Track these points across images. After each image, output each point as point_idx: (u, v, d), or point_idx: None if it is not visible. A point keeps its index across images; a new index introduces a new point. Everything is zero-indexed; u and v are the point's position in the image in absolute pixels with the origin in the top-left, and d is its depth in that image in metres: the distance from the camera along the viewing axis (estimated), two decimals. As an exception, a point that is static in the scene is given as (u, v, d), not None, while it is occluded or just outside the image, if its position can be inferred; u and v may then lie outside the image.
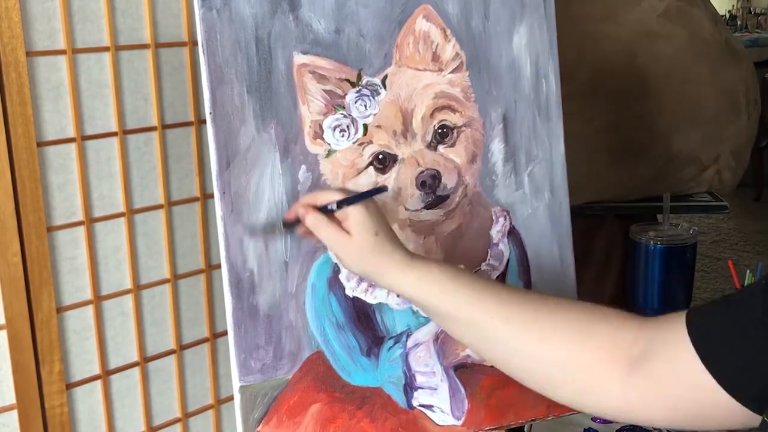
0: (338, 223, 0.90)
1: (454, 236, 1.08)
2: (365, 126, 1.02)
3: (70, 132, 1.14)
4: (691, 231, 1.39)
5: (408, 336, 1.05)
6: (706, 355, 0.73)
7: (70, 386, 1.19)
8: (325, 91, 1.00)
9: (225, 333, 1.08)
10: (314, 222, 0.91)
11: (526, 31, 1.11)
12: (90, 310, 1.19)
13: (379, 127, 1.02)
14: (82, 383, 1.20)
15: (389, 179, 1.03)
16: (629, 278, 1.41)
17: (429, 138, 1.05)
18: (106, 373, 1.22)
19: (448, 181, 1.05)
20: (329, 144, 1.00)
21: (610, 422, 1.21)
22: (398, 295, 0.99)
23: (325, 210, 0.91)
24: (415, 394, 1.05)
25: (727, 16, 6.66)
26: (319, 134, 1.00)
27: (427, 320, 1.06)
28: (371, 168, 1.02)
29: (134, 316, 1.24)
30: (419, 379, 1.05)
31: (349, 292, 1.02)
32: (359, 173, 1.02)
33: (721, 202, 1.74)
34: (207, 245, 1.30)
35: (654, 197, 1.69)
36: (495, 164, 1.10)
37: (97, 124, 1.16)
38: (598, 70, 1.66)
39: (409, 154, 1.04)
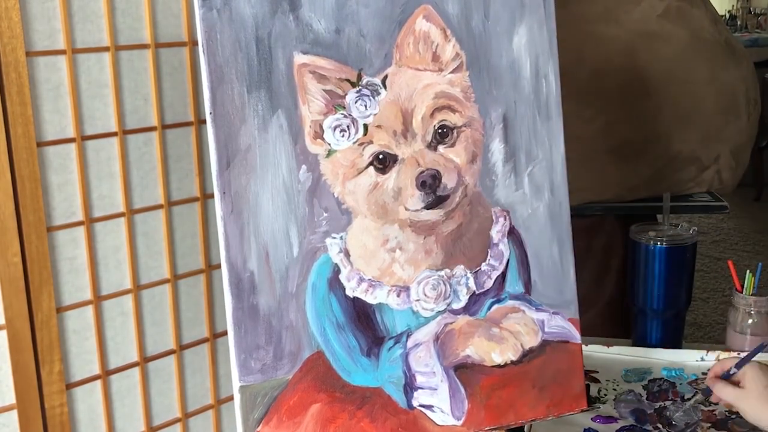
0: (736, 383, 1.10)
1: (454, 236, 1.08)
2: (365, 126, 1.02)
3: (70, 132, 1.14)
4: (691, 231, 1.39)
5: (408, 336, 1.05)
6: None
7: (70, 386, 1.19)
8: (325, 91, 1.00)
9: (225, 333, 1.08)
10: (718, 389, 1.11)
11: (526, 31, 1.11)
12: (90, 310, 1.19)
13: (379, 127, 1.02)
14: (82, 383, 1.20)
15: (389, 179, 1.03)
16: (629, 278, 1.41)
17: (429, 138, 1.05)
18: (106, 373, 1.22)
19: (448, 181, 1.05)
20: (329, 144, 1.00)
21: (610, 422, 1.21)
22: None
23: (727, 375, 1.12)
24: (415, 394, 1.05)
25: (727, 16, 6.66)
26: (319, 134, 1.00)
27: (428, 320, 1.06)
28: (371, 168, 1.02)
29: (134, 316, 1.24)
30: (419, 379, 1.05)
31: (349, 292, 1.02)
32: (359, 173, 1.02)
33: (721, 202, 1.74)
34: (207, 245, 1.30)
35: (654, 197, 1.69)
36: (495, 164, 1.10)
37: (97, 124, 1.16)
38: (598, 70, 1.66)
39: (409, 154, 1.04)
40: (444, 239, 1.07)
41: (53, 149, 1.13)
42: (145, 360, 1.26)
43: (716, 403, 1.23)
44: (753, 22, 6.52)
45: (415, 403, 1.05)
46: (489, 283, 1.10)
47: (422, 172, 1.04)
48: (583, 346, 1.15)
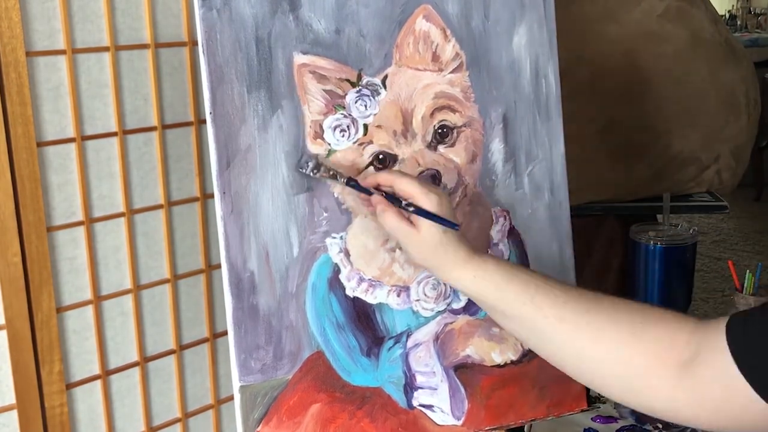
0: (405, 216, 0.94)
1: (454, 236, 1.07)
2: (365, 126, 1.02)
3: (70, 132, 1.14)
4: (691, 231, 1.39)
5: (408, 336, 1.05)
6: (743, 363, 0.75)
7: (70, 386, 1.19)
8: (325, 91, 1.00)
9: (225, 333, 1.08)
10: (383, 209, 0.94)
11: (526, 31, 1.11)
12: (90, 310, 1.19)
13: (379, 127, 1.02)
14: (82, 383, 1.20)
15: (389, 179, 1.03)
16: (629, 278, 1.41)
17: (429, 138, 1.05)
18: (106, 373, 1.22)
19: (448, 181, 1.05)
20: (329, 144, 1.00)
21: (610, 422, 1.21)
22: (459, 291, 1.01)
23: (397, 202, 0.93)
24: (415, 394, 1.05)
25: (727, 16, 6.66)
26: (319, 134, 1.00)
27: (428, 320, 1.06)
28: (371, 168, 1.02)
29: (134, 316, 1.24)
30: (419, 379, 1.05)
31: (349, 292, 1.02)
32: (359, 173, 1.02)
33: (721, 202, 1.74)
34: (207, 245, 1.30)
35: (654, 197, 1.69)
36: (495, 164, 1.10)
37: (97, 124, 1.16)
38: (598, 70, 1.66)
39: (409, 154, 1.04)
40: (444, 239, 1.07)
41: (53, 149, 1.13)
42: (145, 360, 1.26)
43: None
44: (753, 22, 6.52)
45: (415, 403, 1.05)
46: (489, 283, 1.10)
47: (422, 172, 1.04)
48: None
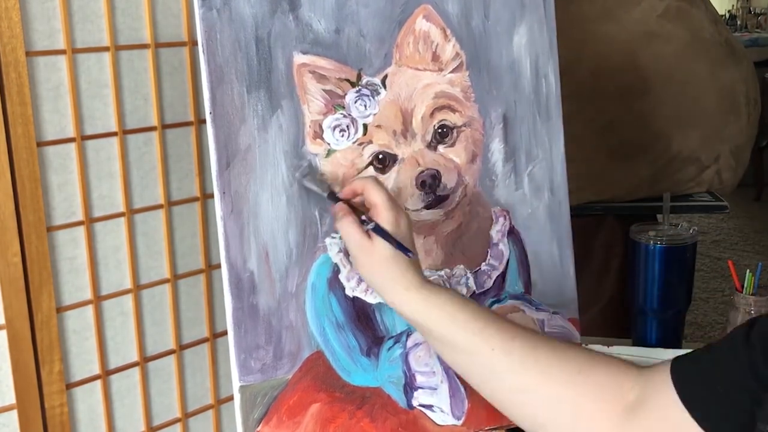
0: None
1: (453, 236, 1.08)
2: (365, 126, 1.02)
3: (70, 132, 1.14)
4: (691, 231, 1.39)
5: (408, 336, 1.05)
6: (688, 400, 0.74)
7: (70, 386, 1.18)
8: (325, 90, 1.00)
9: (225, 333, 1.08)
10: (342, 215, 0.93)
11: (526, 31, 1.11)
12: (90, 310, 1.19)
13: (379, 126, 1.02)
14: (82, 383, 1.20)
15: (389, 179, 1.03)
16: (629, 278, 1.41)
17: (429, 138, 1.05)
18: (106, 373, 1.22)
19: (448, 181, 1.05)
20: (329, 144, 1.00)
21: (610, 422, 1.21)
22: (399, 314, 0.97)
23: (357, 212, 0.93)
24: (415, 393, 1.05)
25: (727, 16, 6.66)
26: (318, 134, 1.00)
27: (427, 320, 1.06)
28: (371, 168, 1.02)
29: (134, 316, 1.24)
30: (419, 379, 1.05)
31: (349, 292, 1.02)
32: (359, 173, 1.02)
33: (721, 202, 1.74)
34: (207, 245, 1.30)
35: (654, 197, 1.69)
36: (495, 164, 1.10)
37: (97, 124, 1.16)
38: (598, 70, 1.66)
39: (409, 154, 1.04)
40: (444, 239, 1.07)
41: (53, 149, 1.13)
42: (145, 360, 1.26)
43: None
44: (753, 22, 6.53)
45: (415, 403, 1.05)
46: (489, 283, 1.10)
47: (422, 172, 1.04)
48: (583, 346, 1.15)
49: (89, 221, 1.17)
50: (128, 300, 1.23)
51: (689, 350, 0.81)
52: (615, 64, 1.67)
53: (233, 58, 0.95)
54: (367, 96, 1.01)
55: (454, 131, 1.06)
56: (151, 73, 1.20)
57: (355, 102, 1.01)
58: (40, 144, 1.11)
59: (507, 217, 1.11)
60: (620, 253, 1.73)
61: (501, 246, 1.11)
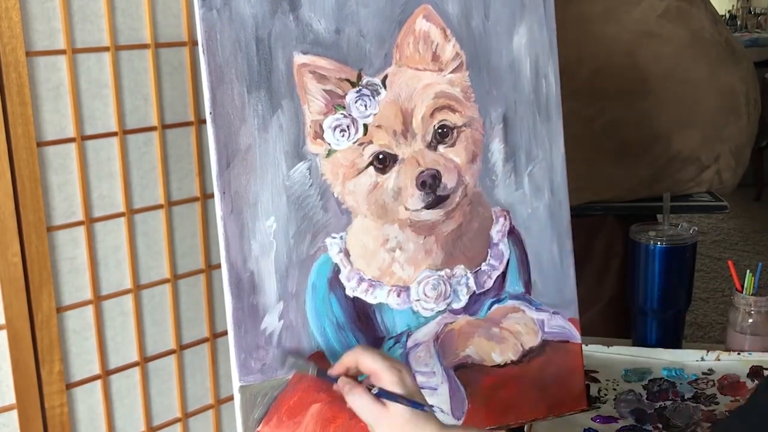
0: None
1: (454, 236, 1.08)
2: (365, 126, 1.02)
3: (70, 132, 1.14)
4: (691, 231, 1.39)
5: (408, 336, 1.05)
6: None
7: (70, 386, 1.19)
8: (325, 90, 1.00)
9: (225, 333, 1.08)
10: (350, 389, 0.91)
11: (526, 31, 1.11)
12: (90, 310, 1.19)
13: (379, 127, 1.02)
14: (82, 383, 1.20)
15: (389, 179, 1.03)
16: (629, 278, 1.41)
17: (429, 138, 1.05)
18: (106, 373, 1.22)
19: (448, 181, 1.05)
20: (329, 144, 1.00)
21: (610, 422, 1.21)
22: None
23: (369, 386, 0.91)
24: (415, 394, 1.05)
25: (727, 16, 6.66)
26: (319, 134, 1.00)
27: (428, 320, 1.06)
28: (371, 168, 1.02)
29: (134, 316, 1.24)
30: (419, 379, 1.05)
31: (349, 292, 1.02)
32: (359, 173, 1.02)
33: (721, 202, 1.74)
34: (207, 245, 1.30)
35: (654, 197, 1.69)
36: (495, 164, 1.10)
37: (97, 124, 1.16)
38: (598, 70, 1.66)
39: (409, 154, 1.04)
40: (444, 239, 1.07)
41: (53, 149, 1.13)
42: (145, 360, 1.26)
43: (717, 403, 1.23)
44: (753, 22, 6.52)
45: (415, 403, 1.05)
46: (489, 283, 1.10)
47: (422, 172, 1.04)
48: (583, 346, 1.15)
49: (89, 221, 1.17)
50: (128, 300, 1.23)
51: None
52: (615, 64, 1.67)
53: (233, 58, 0.95)
54: (368, 96, 1.01)
55: (454, 131, 1.06)
56: (151, 73, 1.20)
57: (356, 102, 1.01)
58: (40, 144, 1.11)
59: (507, 217, 1.11)
60: (620, 253, 1.73)
61: (501, 246, 1.11)
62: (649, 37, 1.69)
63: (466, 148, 1.07)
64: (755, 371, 1.30)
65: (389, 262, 1.04)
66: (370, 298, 1.03)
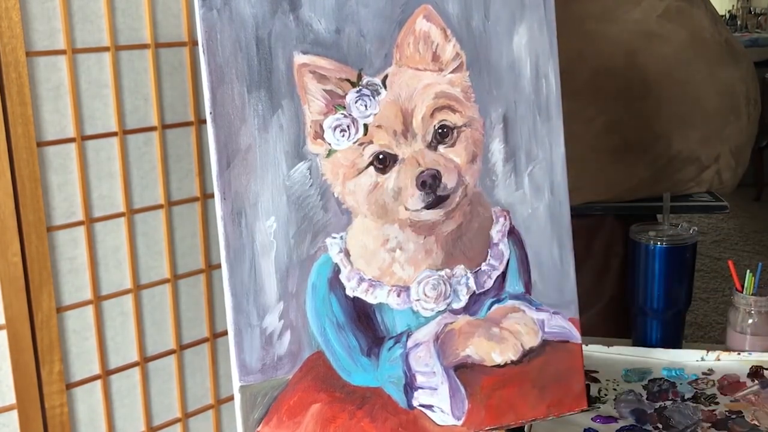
0: None
1: (454, 236, 1.08)
2: (365, 126, 1.02)
3: (70, 132, 1.14)
4: (691, 231, 1.39)
5: (408, 336, 1.05)
6: None
7: (70, 386, 1.19)
8: (325, 90, 1.00)
9: (225, 333, 1.08)
10: None
11: (526, 31, 1.11)
12: (90, 310, 1.19)
13: (379, 127, 1.02)
14: (82, 383, 1.20)
15: (389, 179, 1.03)
16: (629, 278, 1.41)
17: (429, 138, 1.05)
18: (106, 373, 1.22)
19: (449, 181, 1.05)
20: (330, 144, 1.00)
21: (610, 422, 1.21)
22: None
23: None
24: (416, 394, 1.05)
25: (727, 16, 6.66)
26: (319, 134, 1.00)
27: (428, 320, 1.06)
28: (371, 168, 1.02)
29: (134, 316, 1.24)
30: (419, 379, 1.05)
31: (349, 292, 1.02)
32: (359, 173, 1.02)
33: (721, 202, 1.74)
34: (207, 245, 1.30)
35: (654, 197, 1.69)
36: (495, 164, 1.10)
37: (97, 124, 1.17)
38: (598, 70, 1.66)
39: (409, 154, 1.04)
40: (444, 239, 1.07)
41: (53, 149, 1.13)
42: (145, 360, 1.26)
43: (717, 403, 1.23)
44: (753, 22, 6.52)
45: (415, 403, 1.05)
46: (489, 283, 1.10)
47: (422, 172, 1.04)
48: (583, 346, 1.15)
49: (89, 221, 1.17)
50: (128, 300, 1.23)
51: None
52: (615, 64, 1.67)
53: (233, 58, 0.95)
54: (368, 96, 1.01)
55: (455, 131, 1.06)
56: (151, 73, 1.20)
57: (356, 102, 1.01)
58: (40, 144, 1.11)
59: (507, 217, 1.11)
60: (620, 253, 1.73)
61: (501, 246, 1.11)
62: (649, 37, 1.69)
63: (466, 148, 1.07)
64: (755, 371, 1.30)
65: (389, 262, 1.04)
66: (370, 298, 1.03)
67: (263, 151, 0.97)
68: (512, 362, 1.10)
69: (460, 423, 1.07)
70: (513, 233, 1.11)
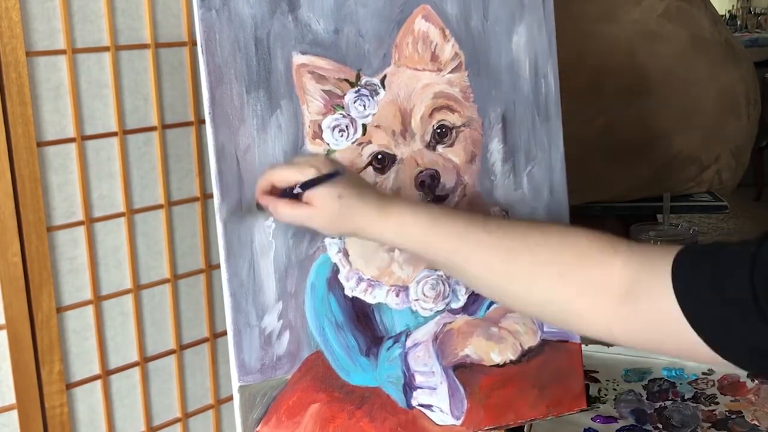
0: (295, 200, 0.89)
1: (453, 236, 1.07)
2: (364, 126, 1.02)
3: (70, 132, 1.14)
4: (691, 231, 1.39)
5: (407, 336, 1.05)
6: (688, 310, 0.73)
7: (70, 386, 1.19)
8: (324, 91, 1.00)
9: (225, 333, 1.08)
10: (274, 205, 0.90)
11: (525, 31, 1.11)
12: (90, 310, 1.19)
13: (378, 127, 1.02)
14: (82, 383, 1.20)
15: (388, 179, 1.03)
16: (629, 278, 1.41)
17: (428, 138, 1.05)
18: (106, 373, 1.22)
19: (447, 181, 1.05)
20: (328, 144, 1.00)
21: (610, 422, 1.21)
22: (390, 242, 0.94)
23: (289, 194, 0.89)
24: (414, 393, 1.05)
25: (727, 16, 6.65)
26: (318, 134, 1.00)
27: (426, 320, 1.06)
28: (370, 168, 1.02)
29: (134, 316, 1.24)
30: (418, 379, 1.05)
31: (348, 292, 1.02)
32: (359, 173, 1.02)
33: (721, 202, 1.74)
34: (207, 245, 1.30)
35: (654, 197, 1.69)
36: (494, 164, 1.10)
37: (97, 124, 1.17)
38: (597, 70, 1.67)
39: (408, 154, 1.04)
40: (443, 239, 1.07)
41: (53, 149, 1.13)
42: (145, 360, 1.26)
43: (717, 403, 1.23)
44: (753, 22, 6.52)
45: (414, 403, 1.05)
46: (488, 283, 1.10)
47: (421, 172, 1.04)
48: (583, 346, 1.15)
49: (89, 221, 1.17)
50: (128, 300, 1.23)
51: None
52: (615, 64, 1.67)
53: (232, 58, 0.95)
54: (366, 96, 1.01)
55: (453, 131, 1.06)
56: (151, 73, 1.20)
57: (355, 102, 1.01)
58: (40, 144, 1.11)
59: (506, 217, 1.11)
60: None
61: (500, 246, 1.11)
62: (649, 37, 1.70)
63: (465, 148, 1.07)
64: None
65: (388, 261, 1.04)
66: (369, 298, 1.03)
67: (262, 151, 0.97)
68: (511, 362, 1.10)
69: (459, 422, 1.07)
70: (512, 233, 1.11)
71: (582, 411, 1.16)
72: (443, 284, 1.06)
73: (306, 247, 1.00)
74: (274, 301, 0.98)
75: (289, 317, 0.99)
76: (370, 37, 1.02)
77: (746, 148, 1.81)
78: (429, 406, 1.06)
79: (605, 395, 1.28)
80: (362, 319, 1.03)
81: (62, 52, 1.11)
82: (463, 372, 1.08)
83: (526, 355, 1.11)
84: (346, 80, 1.01)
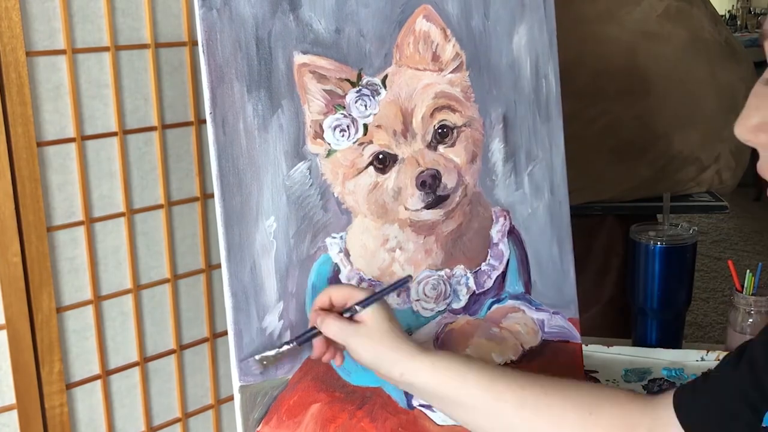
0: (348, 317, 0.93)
1: (454, 236, 1.08)
2: (365, 126, 1.02)
3: (70, 132, 1.14)
4: (691, 231, 1.39)
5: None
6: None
7: (70, 386, 1.18)
8: (325, 90, 1.00)
9: (225, 333, 1.09)
10: (322, 319, 0.93)
11: (526, 31, 1.11)
12: (90, 310, 1.19)
13: (379, 126, 1.02)
14: (82, 383, 1.20)
15: (389, 179, 1.03)
16: (629, 278, 1.41)
17: (429, 138, 1.05)
18: (106, 373, 1.22)
19: (448, 180, 1.05)
20: (329, 144, 1.00)
21: (610, 422, 1.21)
22: (408, 386, 0.94)
23: (348, 312, 0.93)
24: (415, 394, 1.05)
25: (727, 16, 6.66)
26: (319, 134, 1.00)
27: (428, 320, 1.06)
28: (371, 168, 1.02)
29: (134, 316, 1.24)
30: (419, 379, 1.05)
31: (349, 292, 1.02)
32: (359, 173, 1.02)
33: (721, 202, 1.74)
34: (207, 245, 1.30)
35: (654, 197, 1.69)
36: (495, 164, 1.10)
37: (97, 124, 1.16)
38: (598, 70, 1.66)
39: (409, 154, 1.04)
40: (444, 239, 1.07)
41: (53, 149, 1.13)
42: (145, 360, 1.26)
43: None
44: (753, 22, 6.52)
45: (415, 403, 1.05)
46: (489, 283, 1.10)
47: (422, 171, 1.04)
48: (583, 346, 1.15)
49: (89, 221, 1.17)
50: (128, 300, 1.23)
51: (690, 379, 0.84)
52: (615, 64, 1.67)
53: (233, 58, 0.95)
54: (368, 96, 1.01)
55: (454, 131, 1.06)
56: (151, 73, 1.20)
57: (356, 102, 1.01)
58: (40, 144, 1.11)
59: (507, 217, 1.11)
60: (620, 253, 1.73)
61: (501, 246, 1.11)
62: (649, 37, 1.69)
63: (466, 148, 1.07)
64: (755, 371, 1.30)
65: (389, 261, 1.04)
66: (370, 298, 1.03)
67: (263, 150, 0.97)
68: (512, 362, 1.10)
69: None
70: (513, 233, 1.12)
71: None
72: (444, 284, 1.06)
73: (307, 247, 1.00)
74: (275, 301, 0.98)
75: (290, 317, 0.99)
76: (372, 36, 1.02)
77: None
78: (430, 407, 1.06)
79: (606, 395, 1.28)
80: (363, 319, 1.03)
81: (62, 52, 1.11)
82: (464, 372, 1.08)
83: (527, 355, 1.10)
84: (348, 80, 1.01)
